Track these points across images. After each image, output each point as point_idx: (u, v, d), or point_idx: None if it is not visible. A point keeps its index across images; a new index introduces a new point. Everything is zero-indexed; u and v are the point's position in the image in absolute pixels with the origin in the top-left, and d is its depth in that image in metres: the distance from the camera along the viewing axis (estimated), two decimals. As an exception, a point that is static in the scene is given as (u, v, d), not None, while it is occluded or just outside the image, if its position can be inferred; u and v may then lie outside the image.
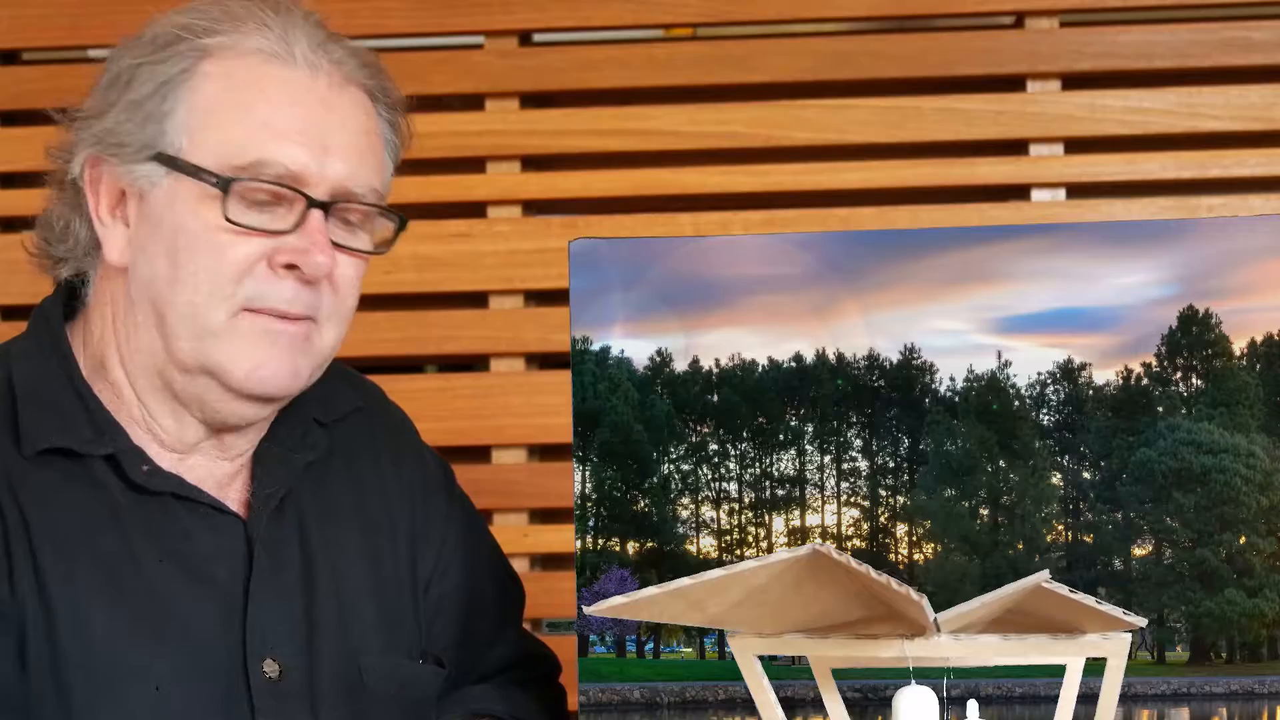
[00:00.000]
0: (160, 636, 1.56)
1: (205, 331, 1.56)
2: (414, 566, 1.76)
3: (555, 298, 2.75)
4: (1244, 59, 2.71)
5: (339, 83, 1.61)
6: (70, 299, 1.67)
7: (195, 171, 1.54)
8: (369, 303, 1.81)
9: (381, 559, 1.74)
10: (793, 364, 1.58)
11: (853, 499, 1.61)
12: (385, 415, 1.84)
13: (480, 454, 2.75)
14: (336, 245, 1.59)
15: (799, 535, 1.63)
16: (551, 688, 1.89)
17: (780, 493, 1.62)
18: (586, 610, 1.47)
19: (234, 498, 1.66)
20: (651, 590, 1.41)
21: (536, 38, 2.82)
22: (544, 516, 2.74)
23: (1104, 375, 1.57)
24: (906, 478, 1.60)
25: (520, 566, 2.65)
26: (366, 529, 1.74)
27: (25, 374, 1.61)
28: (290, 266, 1.57)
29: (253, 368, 1.57)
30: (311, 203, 1.57)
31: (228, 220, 1.54)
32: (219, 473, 1.65)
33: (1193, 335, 1.56)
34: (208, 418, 1.62)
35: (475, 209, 2.77)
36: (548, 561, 2.74)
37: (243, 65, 1.57)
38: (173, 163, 1.55)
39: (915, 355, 1.57)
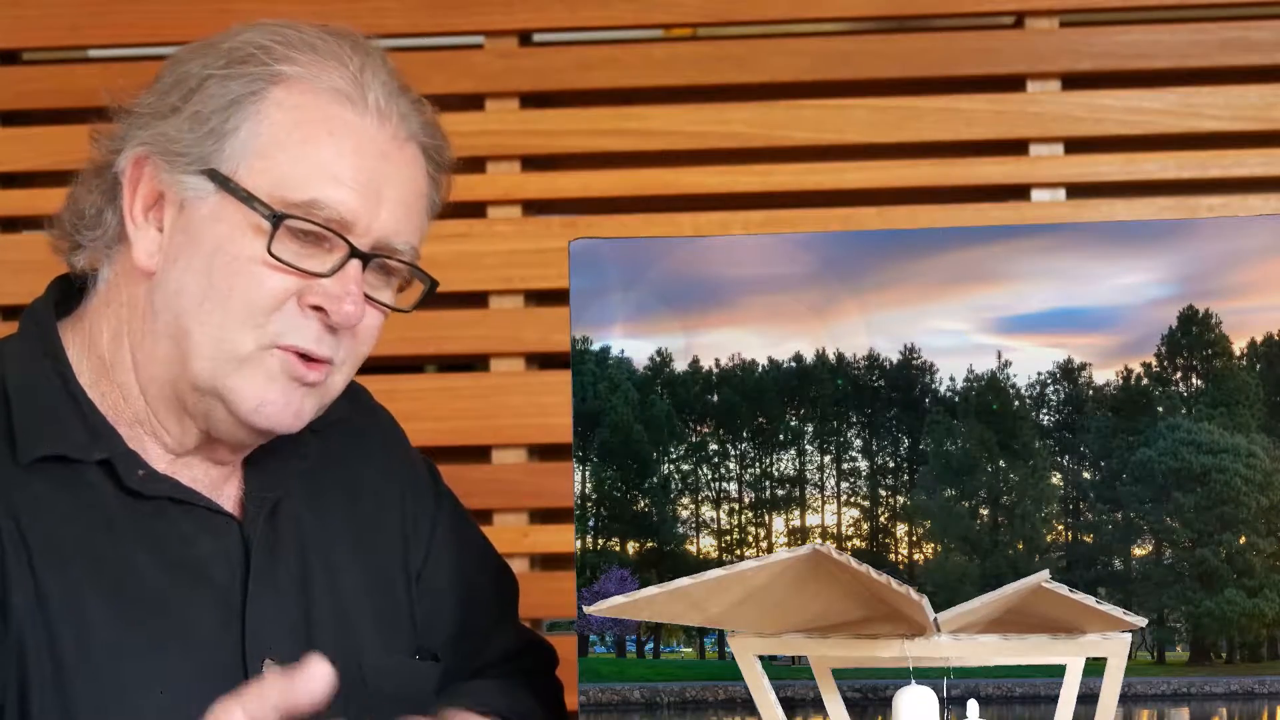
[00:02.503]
0: (162, 640, 1.55)
1: (230, 356, 1.56)
2: (405, 565, 1.77)
3: (555, 298, 2.75)
4: (1244, 59, 2.71)
5: (403, 137, 1.61)
6: (64, 298, 1.67)
7: (248, 199, 1.54)
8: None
9: (376, 559, 1.74)
10: (793, 364, 1.58)
11: (853, 499, 1.61)
12: (373, 417, 1.85)
13: (480, 454, 2.74)
14: (366, 297, 1.59)
15: (799, 535, 1.63)
16: (549, 680, 1.89)
17: (780, 493, 1.62)
18: (586, 610, 1.47)
19: (228, 499, 1.66)
20: (651, 590, 1.41)
21: (536, 38, 2.82)
22: (544, 516, 2.74)
23: (1104, 375, 1.57)
24: (906, 478, 1.60)
25: (520, 566, 2.65)
26: (360, 530, 1.74)
27: (18, 378, 1.60)
28: (317, 308, 1.57)
29: (261, 403, 1.58)
30: (354, 252, 1.57)
31: (270, 254, 1.54)
32: (213, 474, 1.65)
33: (1193, 335, 1.56)
34: (211, 429, 1.62)
35: (475, 209, 2.76)
36: (548, 561, 2.74)
37: (314, 101, 1.56)
38: (226, 184, 1.54)
39: (915, 355, 1.57)
